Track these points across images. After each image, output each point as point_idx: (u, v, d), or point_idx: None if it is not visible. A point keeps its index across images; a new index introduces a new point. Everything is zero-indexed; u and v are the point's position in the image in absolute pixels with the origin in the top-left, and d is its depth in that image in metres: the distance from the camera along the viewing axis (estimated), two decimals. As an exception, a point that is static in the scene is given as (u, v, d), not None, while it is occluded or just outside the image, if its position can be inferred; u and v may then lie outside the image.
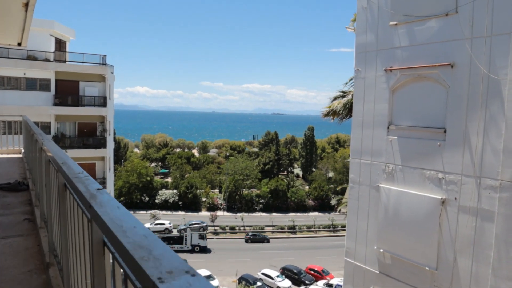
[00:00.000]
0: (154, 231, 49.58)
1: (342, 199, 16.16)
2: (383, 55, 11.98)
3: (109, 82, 33.34)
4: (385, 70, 11.83)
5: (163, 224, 59.23)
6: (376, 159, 12.24)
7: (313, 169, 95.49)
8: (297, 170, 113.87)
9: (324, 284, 45.09)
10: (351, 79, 15.06)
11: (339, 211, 16.13)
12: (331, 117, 14.84)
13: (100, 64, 32.41)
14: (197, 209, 74.85)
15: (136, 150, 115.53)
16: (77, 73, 31.78)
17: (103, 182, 32.00)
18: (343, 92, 14.87)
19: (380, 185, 12.06)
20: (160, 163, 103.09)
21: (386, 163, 11.93)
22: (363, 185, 12.70)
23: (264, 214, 76.17)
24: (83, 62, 32.03)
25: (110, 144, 34.44)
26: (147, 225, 55.76)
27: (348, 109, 13.82)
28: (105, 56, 32.55)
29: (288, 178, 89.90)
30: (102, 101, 32.50)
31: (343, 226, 69.35)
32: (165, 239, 53.34)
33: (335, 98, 14.84)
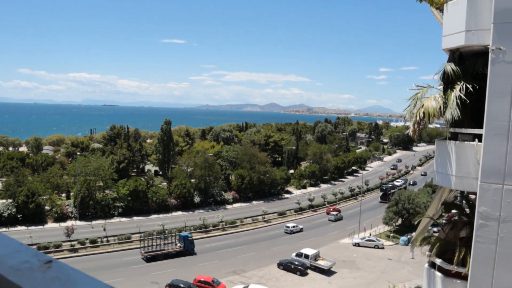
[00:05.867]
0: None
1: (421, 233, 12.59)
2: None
3: None
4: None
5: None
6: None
7: (172, 165, 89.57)
8: (150, 167, 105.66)
9: (218, 296, 41.25)
10: (439, 72, 11.38)
11: (429, 255, 12.35)
12: (417, 126, 10.90)
13: None
14: (42, 221, 62.00)
15: None
16: None
17: None
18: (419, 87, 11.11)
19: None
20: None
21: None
22: (509, 222, 9.25)
23: (124, 219, 67.93)
24: None
25: None
26: None
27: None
28: None
29: (146, 177, 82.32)
30: None
31: (215, 226, 66.30)
32: None
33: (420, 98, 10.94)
